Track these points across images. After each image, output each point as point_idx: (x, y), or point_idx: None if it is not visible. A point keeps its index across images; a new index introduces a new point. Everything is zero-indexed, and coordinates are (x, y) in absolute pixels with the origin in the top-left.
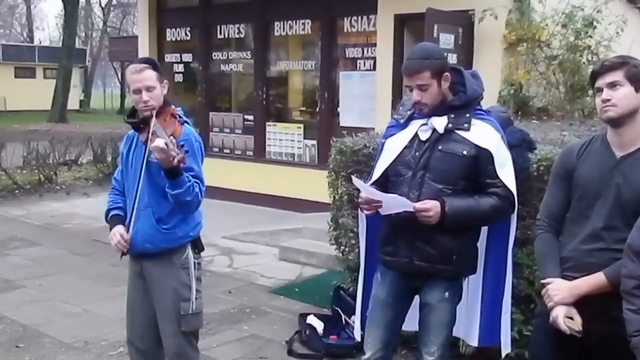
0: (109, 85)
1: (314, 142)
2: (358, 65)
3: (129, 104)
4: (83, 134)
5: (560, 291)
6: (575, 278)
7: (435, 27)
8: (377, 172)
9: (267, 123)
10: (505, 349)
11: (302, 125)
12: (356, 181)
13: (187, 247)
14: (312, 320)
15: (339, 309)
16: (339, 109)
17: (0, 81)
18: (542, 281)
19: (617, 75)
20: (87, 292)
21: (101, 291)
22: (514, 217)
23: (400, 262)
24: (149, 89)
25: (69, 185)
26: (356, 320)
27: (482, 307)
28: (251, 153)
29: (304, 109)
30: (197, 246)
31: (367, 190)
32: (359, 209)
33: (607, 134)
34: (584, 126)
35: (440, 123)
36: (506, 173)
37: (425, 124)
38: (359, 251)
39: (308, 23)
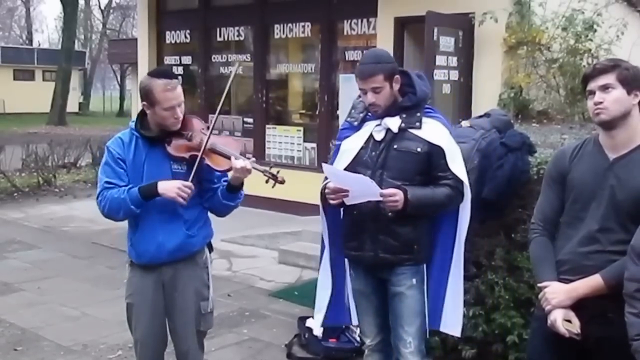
0: (108, 88)
1: (314, 145)
2: None
3: (128, 106)
4: (82, 136)
5: (557, 294)
6: (572, 281)
7: (435, 30)
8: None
9: (267, 126)
10: (450, 331)
11: (301, 128)
12: (327, 167)
13: (205, 248)
14: (311, 323)
15: None
16: (338, 112)
17: None
18: (539, 285)
19: (609, 78)
20: (85, 295)
21: (100, 294)
22: (464, 206)
23: (366, 256)
24: (180, 104)
25: (68, 188)
26: (315, 315)
27: (428, 293)
28: (251, 156)
29: (303, 111)
30: (210, 246)
31: (336, 175)
32: (320, 205)
33: (599, 137)
34: (584, 129)
35: (394, 123)
36: (457, 165)
37: (379, 124)
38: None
39: (308, 26)
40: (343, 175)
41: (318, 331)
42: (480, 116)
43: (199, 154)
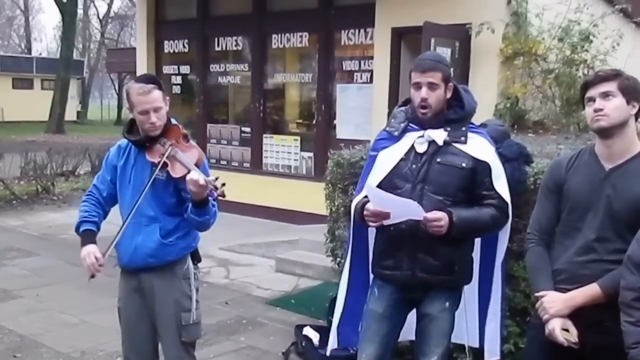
0: (106, 97)
1: (311, 154)
2: (355, 78)
3: (126, 115)
4: (80, 145)
5: (555, 303)
6: (569, 290)
7: (432, 40)
8: (372, 184)
9: (264, 135)
10: (490, 356)
11: (298, 138)
12: (371, 189)
13: (187, 258)
14: (308, 331)
15: None
16: (335, 122)
17: None
18: (536, 294)
19: (611, 86)
20: (84, 302)
21: (98, 302)
22: (506, 228)
23: (403, 275)
24: (156, 109)
25: (67, 195)
26: (332, 334)
27: (488, 320)
28: (248, 165)
29: (300, 121)
30: (196, 257)
31: (379, 197)
32: (351, 221)
33: (595, 147)
34: (580, 140)
35: (439, 135)
36: (501, 185)
37: (422, 136)
38: (344, 264)
39: (305, 36)
40: (389, 199)
41: (315, 339)
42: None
43: (162, 160)
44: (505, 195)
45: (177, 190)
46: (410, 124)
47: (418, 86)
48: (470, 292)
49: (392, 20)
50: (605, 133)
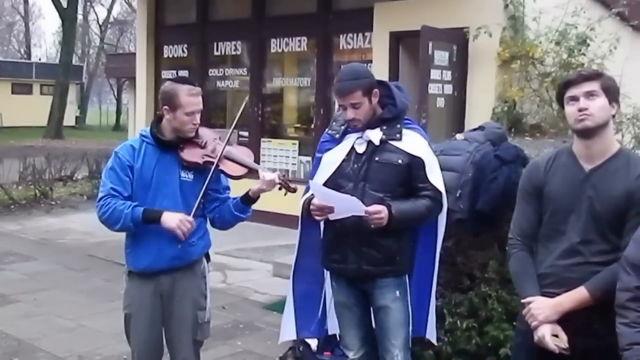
0: (104, 102)
1: (309, 158)
2: None
3: (124, 120)
4: (79, 150)
5: (543, 309)
6: (556, 294)
7: (430, 44)
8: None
9: (262, 139)
10: (432, 339)
11: (297, 142)
12: (314, 185)
13: (203, 258)
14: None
15: None
16: None
17: None
18: (523, 300)
19: (594, 85)
20: (81, 307)
21: (96, 306)
22: (442, 216)
23: (349, 269)
24: (200, 111)
25: (65, 200)
26: (283, 322)
27: (412, 302)
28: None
29: (299, 125)
30: (207, 256)
31: (323, 193)
32: (300, 217)
33: (572, 147)
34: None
35: (375, 135)
36: (435, 176)
37: (361, 137)
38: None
39: (304, 40)
40: (331, 194)
41: (313, 344)
42: (475, 129)
43: (215, 160)
44: (439, 185)
45: (207, 192)
46: (350, 127)
47: (343, 108)
48: (413, 281)
49: (390, 24)
50: (589, 133)
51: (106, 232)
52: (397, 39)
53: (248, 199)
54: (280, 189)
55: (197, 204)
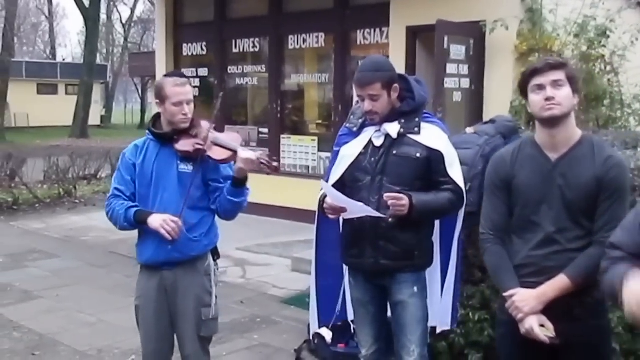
0: (129, 101)
1: (329, 154)
2: None
3: (149, 119)
4: (103, 148)
5: (528, 301)
6: (536, 283)
7: (446, 38)
8: (334, 178)
9: (282, 136)
10: (442, 326)
11: (316, 138)
12: (324, 185)
13: (208, 255)
14: (321, 329)
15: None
16: None
17: (23, 98)
18: (505, 294)
19: (560, 75)
20: (102, 302)
21: (116, 301)
22: (461, 211)
23: (367, 263)
24: (189, 102)
25: (88, 199)
26: (311, 317)
27: (443, 295)
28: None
29: (318, 121)
30: (216, 253)
31: (334, 195)
32: (316, 214)
33: (535, 138)
34: (598, 136)
35: (393, 129)
36: (455, 171)
37: (378, 130)
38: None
39: (322, 36)
40: (341, 197)
41: (327, 337)
42: (486, 122)
43: (203, 146)
44: (460, 181)
45: (203, 183)
46: (367, 120)
47: (361, 99)
48: (431, 275)
49: (407, 19)
50: (555, 122)
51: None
52: (414, 34)
53: (236, 182)
54: (261, 166)
55: (187, 194)
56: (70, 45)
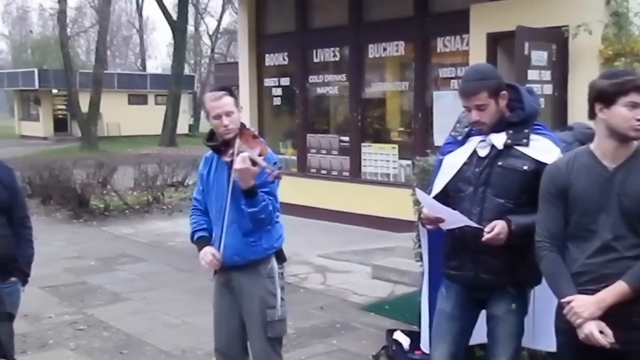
0: None
1: (409, 162)
2: (452, 84)
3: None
4: (190, 156)
5: (587, 307)
6: (595, 291)
7: (526, 44)
8: (437, 188)
9: (363, 144)
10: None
11: (396, 146)
12: (420, 194)
13: (271, 258)
14: (398, 336)
15: None
16: (433, 129)
17: (115, 108)
18: (563, 300)
19: None
20: (187, 305)
21: (200, 304)
22: None
23: (466, 276)
24: (228, 114)
25: (175, 205)
26: (423, 333)
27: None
28: (347, 173)
29: (398, 129)
30: (281, 257)
31: (430, 204)
32: (419, 224)
33: (592, 148)
34: None
35: (499, 140)
36: None
37: (484, 140)
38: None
39: (402, 44)
40: (437, 206)
41: (405, 343)
42: (563, 129)
43: (233, 157)
44: None
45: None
46: (474, 129)
47: (468, 109)
48: (543, 291)
49: (487, 25)
50: (632, 139)
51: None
52: (495, 40)
53: (242, 192)
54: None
55: (227, 205)
56: (159, 56)
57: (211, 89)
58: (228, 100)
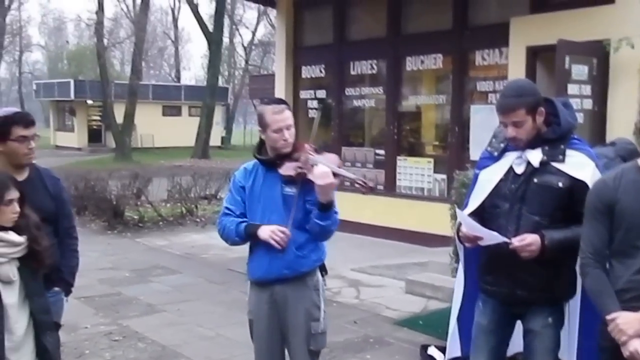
0: (249, 122)
1: (444, 176)
2: (489, 98)
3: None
4: (223, 169)
5: (631, 323)
6: (639, 308)
7: (567, 58)
8: (474, 204)
9: (398, 157)
10: None
11: (432, 160)
12: (459, 214)
13: (317, 271)
14: (432, 351)
15: None
16: (469, 143)
17: (150, 119)
18: (608, 317)
19: None
20: (220, 317)
21: (234, 317)
22: None
23: (502, 292)
24: (288, 127)
25: (208, 217)
26: (448, 341)
27: (582, 327)
28: (382, 187)
29: (434, 143)
30: (324, 269)
31: (468, 224)
32: (457, 239)
33: (639, 164)
34: None
35: (535, 157)
36: None
37: (520, 157)
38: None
39: (439, 57)
40: (474, 226)
41: (439, 358)
42: (605, 145)
43: (303, 170)
44: None
45: (305, 203)
46: (510, 144)
47: (504, 125)
48: (572, 307)
49: (526, 38)
50: None
51: (244, 248)
52: (534, 54)
53: (321, 205)
54: (352, 185)
55: (292, 214)
56: (193, 68)
57: (267, 102)
58: (289, 113)
